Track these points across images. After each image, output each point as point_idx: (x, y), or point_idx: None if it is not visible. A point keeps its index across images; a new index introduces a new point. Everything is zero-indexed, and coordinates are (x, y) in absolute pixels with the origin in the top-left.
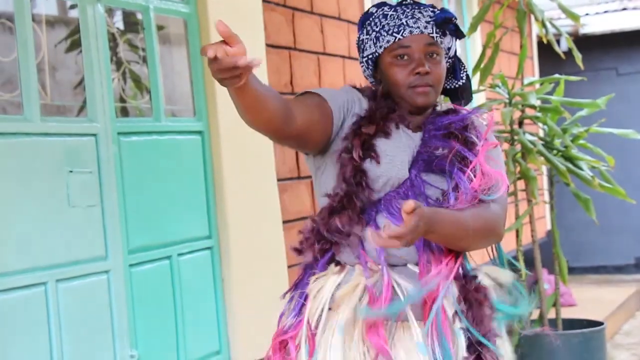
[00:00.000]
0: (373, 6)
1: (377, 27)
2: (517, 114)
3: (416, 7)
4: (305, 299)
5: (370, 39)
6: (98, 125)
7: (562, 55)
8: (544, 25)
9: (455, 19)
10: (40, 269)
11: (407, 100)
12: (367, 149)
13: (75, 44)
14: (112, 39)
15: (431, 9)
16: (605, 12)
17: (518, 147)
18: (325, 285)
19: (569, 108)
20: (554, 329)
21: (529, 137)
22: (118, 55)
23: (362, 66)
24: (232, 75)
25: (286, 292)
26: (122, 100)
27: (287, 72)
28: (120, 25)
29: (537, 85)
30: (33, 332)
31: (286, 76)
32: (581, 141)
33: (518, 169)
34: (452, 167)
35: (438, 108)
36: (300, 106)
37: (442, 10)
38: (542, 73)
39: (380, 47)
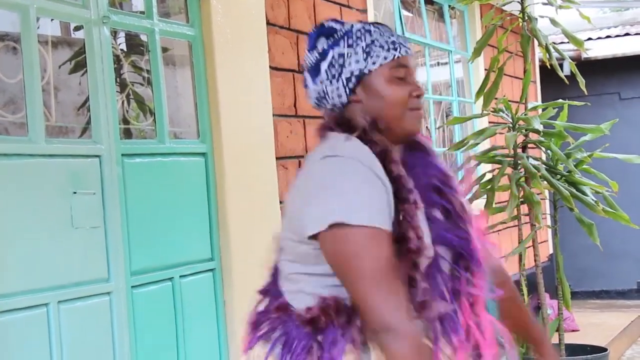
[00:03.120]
0: (335, 22)
1: (362, 42)
2: (520, 139)
3: (389, 28)
4: None
5: (357, 53)
6: (102, 147)
7: (566, 80)
8: (547, 50)
9: None
10: (43, 290)
11: (402, 125)
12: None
13: (79, 65)
14: (117, 60)
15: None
16: (608, 37)
17: (522, 171)
18: None
19: (572, 132)
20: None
21: (532, 161)
22: (122, 77)
23: (332, 85)
24: None
25: None
26: (126, 121)
27: (291, 95)
28: (124, 46)
29: (540, 110)
30: (34, 353)
31: (290, 99)
32: (585, 166)
33: (522, 193)
34: (453, 238)
35: None
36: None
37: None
38: (544, 97)
39: (374, 63)
